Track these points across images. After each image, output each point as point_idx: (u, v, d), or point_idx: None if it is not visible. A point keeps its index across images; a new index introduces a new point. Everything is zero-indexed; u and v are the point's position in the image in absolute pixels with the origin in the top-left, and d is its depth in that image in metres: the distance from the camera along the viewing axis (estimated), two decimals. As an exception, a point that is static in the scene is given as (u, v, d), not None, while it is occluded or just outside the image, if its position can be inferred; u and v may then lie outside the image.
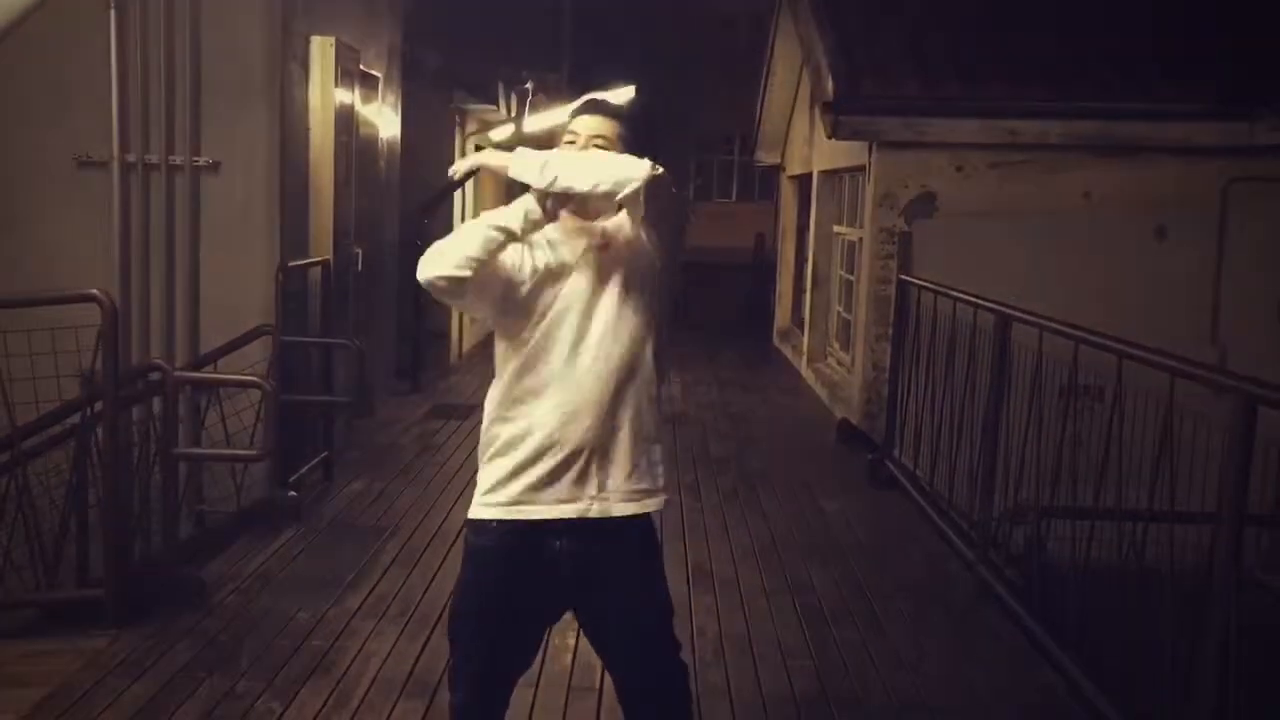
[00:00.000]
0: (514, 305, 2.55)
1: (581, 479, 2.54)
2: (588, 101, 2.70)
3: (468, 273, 2.39)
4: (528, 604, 2.64)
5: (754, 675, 4.26)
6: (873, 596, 5.13)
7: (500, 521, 2.58)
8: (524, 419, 2.56)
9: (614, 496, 2.56)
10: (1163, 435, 3.35)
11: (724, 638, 4.59)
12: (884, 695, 4.13)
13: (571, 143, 2.61)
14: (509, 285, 2.53)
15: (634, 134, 2.63)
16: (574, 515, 2.55)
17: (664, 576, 2.79)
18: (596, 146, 2.57)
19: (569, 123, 2.66)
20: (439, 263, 2.40)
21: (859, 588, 5.24)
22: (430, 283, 2.42)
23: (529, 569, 2.59)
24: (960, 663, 4.44)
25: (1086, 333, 4.09)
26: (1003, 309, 5.03)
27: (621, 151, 2.56)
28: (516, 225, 2.44)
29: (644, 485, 2.59)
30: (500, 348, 2.62)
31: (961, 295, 5.75)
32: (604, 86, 14.17)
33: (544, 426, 2.53)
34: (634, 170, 2.40)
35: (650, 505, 2.62)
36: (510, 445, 2.57)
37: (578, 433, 2.52)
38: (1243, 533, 2.92)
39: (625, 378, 2.55)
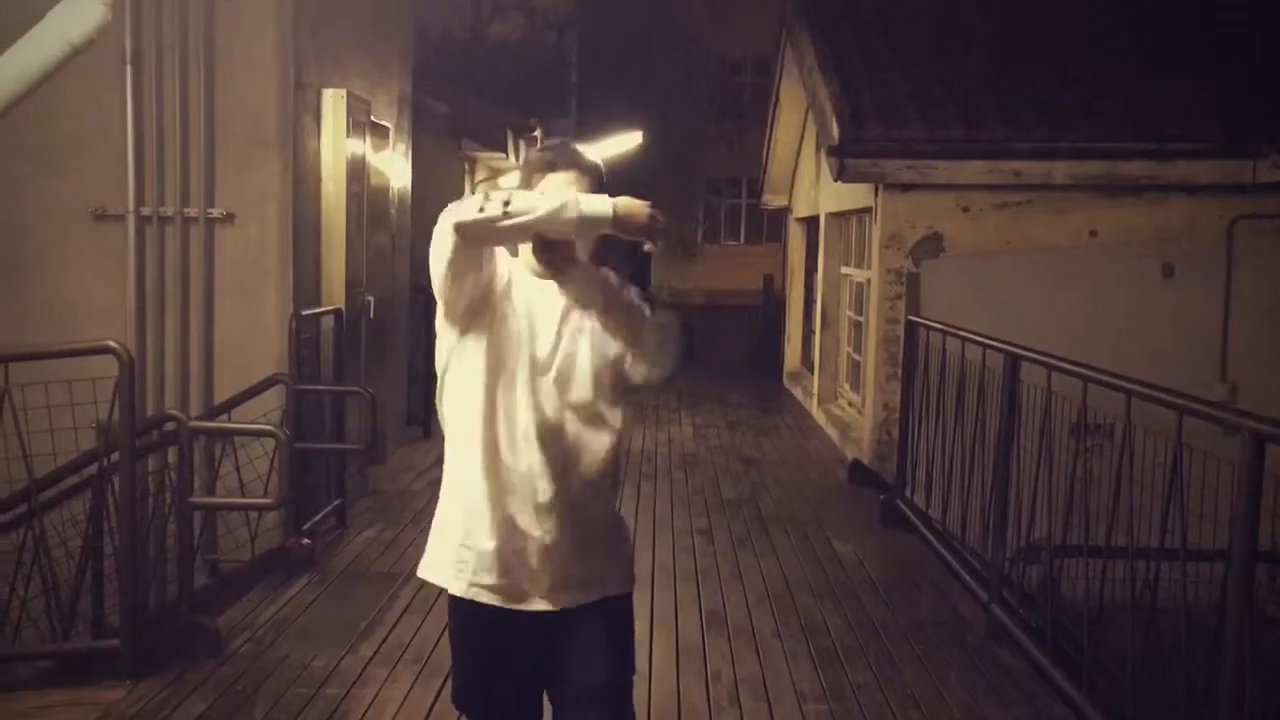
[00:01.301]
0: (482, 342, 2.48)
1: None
2: (558, 157, 2.52)
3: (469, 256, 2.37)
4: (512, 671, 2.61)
5: (769, 718, 4.25)
6: (887, 638, 5.12)
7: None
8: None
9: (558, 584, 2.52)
10: (1172, 473, 3.35)
11: (739, 682, 4.58)
12: (900, 738, 4.13)
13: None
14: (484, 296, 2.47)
15: (599, 178, 2.52)
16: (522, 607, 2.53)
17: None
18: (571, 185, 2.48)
19: (537, 179, 2.51)
20: (475, 218, 2.31)
21: (873, 629, 5.23)
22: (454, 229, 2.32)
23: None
24: (976, 703, 4.42)
25: (1095, 371, 4.11)
26: (1011, 348, 5.06)
27: (587, 187, 2.48)
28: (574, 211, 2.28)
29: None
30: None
31: (969, 335, 5.78)
32: (610, 132, 14.34)
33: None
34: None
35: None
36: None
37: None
38: (1254, 569, 2.92)
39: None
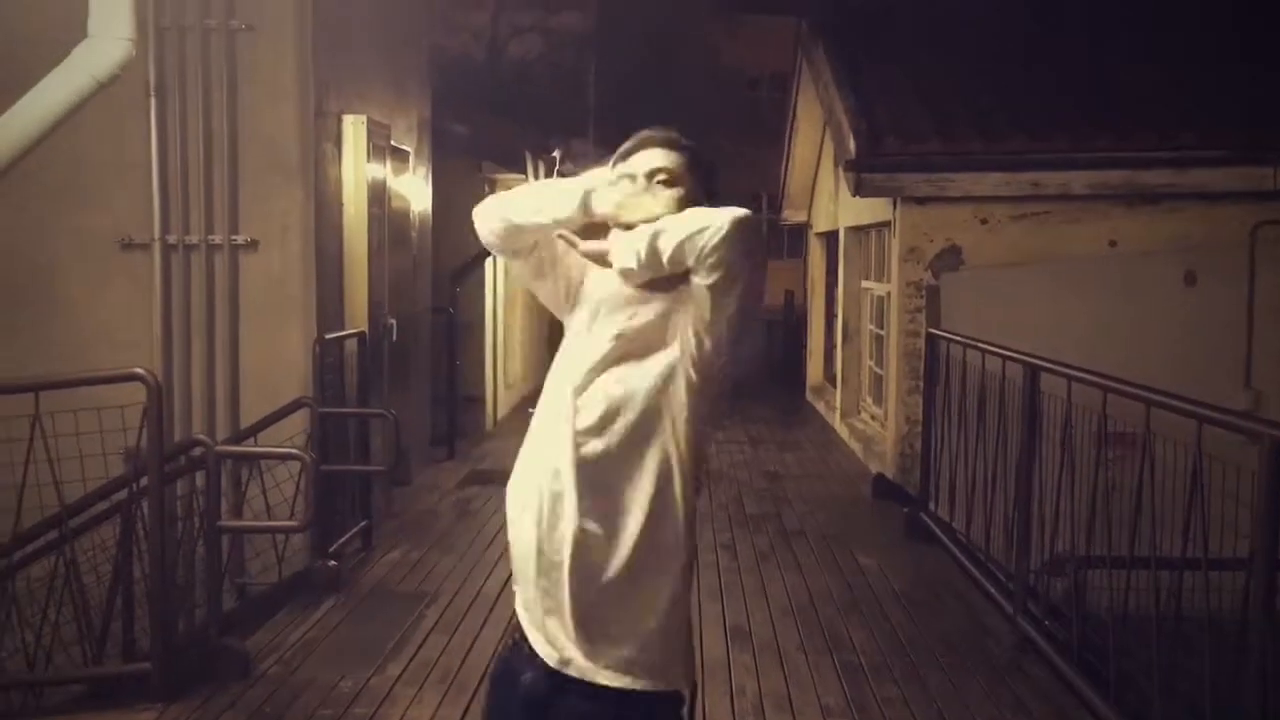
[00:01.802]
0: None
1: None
2: (641, 136, 2.25)
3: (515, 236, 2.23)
4: None
5: (795, 734, 4.26)
6: (912, 652, 5.12)
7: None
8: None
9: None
10: (1192, 482, 3.36)
11: (763, 696, 4.60)
12: (926, 751, 4.13)
13: (631, 179, 2.19)
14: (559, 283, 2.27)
15: (701, 166, 2.24)
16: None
17: None
18: (660, 183, 2.17)
19: (631, 155, 2.23)
20: (508, 208, 2.22)
21: (898, 643, 5.23)
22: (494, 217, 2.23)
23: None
24: (1003, 717, 4.42)
25: (1115, 381, 4.12)
26: (1030, 360, 5.06)
27: (690, 186, 2.20)
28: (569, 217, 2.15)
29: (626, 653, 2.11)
30: None
31: (989, 347, 5.78)
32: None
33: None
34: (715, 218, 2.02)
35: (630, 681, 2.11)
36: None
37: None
38: (1274, 577, 2.92)
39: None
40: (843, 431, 11.07)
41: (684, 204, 2.15)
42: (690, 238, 2.00)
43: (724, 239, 1.98)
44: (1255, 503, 2.99)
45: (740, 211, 2.02)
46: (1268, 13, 9.06)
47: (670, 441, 2.11)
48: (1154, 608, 3.74)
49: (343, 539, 6.37)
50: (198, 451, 5.11)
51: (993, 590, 5.60)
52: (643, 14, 22.13)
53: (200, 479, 5.30)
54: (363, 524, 6.71)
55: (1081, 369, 4.51)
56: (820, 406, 12.96)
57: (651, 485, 2.09)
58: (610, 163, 2.25)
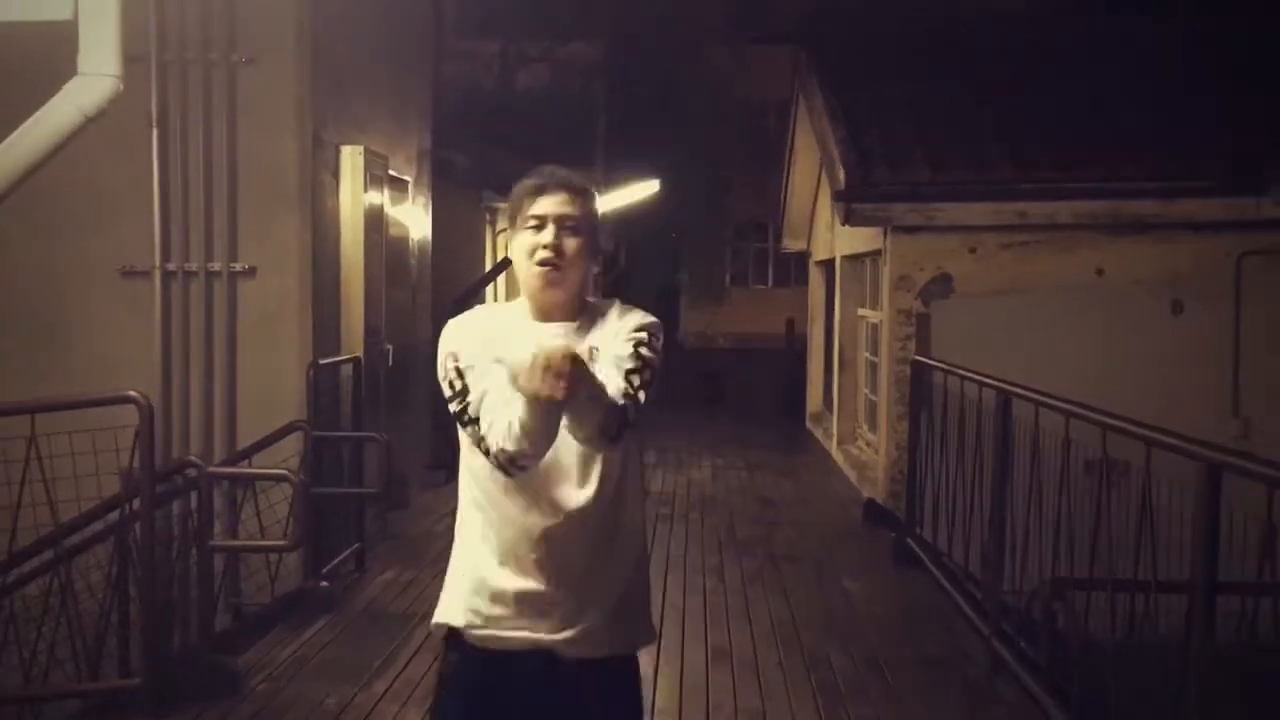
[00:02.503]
0: None
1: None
2: (548, 180, 2.35)
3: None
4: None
5: (767, 751, 4.36)
6: (889, 672, 5.20)
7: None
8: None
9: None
10: (1142, 504, 3.46)
11: (739, 713, 4.69)
12: (893, 768, 4.22)
13: (536, 227, 2.33)
14: None
15: (595, 213, 2.39)
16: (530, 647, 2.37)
17: None
18: (565, 229, 2.32)
19: (527, 204, 2.34)
20: (509, 461, 2.24)
21: (876, 664, 5.32)
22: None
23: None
24: (972, 736, 4.51)
25: (1078, 406, 4.23)
26: (1003, 386, 5.17)
27: (590, 235, 2.35)
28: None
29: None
30: None
31: (966, 373, 5.90)
32: (636, 179, 14.60)
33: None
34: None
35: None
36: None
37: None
38: (1214, 598, 3.01)
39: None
40: (839, 458, 11.17)
41: (583, 246, 2.34)
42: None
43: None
44: (1193, 525, 3.09)
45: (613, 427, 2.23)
46: (1253, 44, 9.21)
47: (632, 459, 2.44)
48: (1110, 630, 3.83)
49: (335, 561, 6.49)
50: (191, 473, 5.24)
51: (971, 613, 5.69)
52: (650, 44, 22.38)
53: (195, 500, 5.44)
54: (355, 546, 6.83)
55: (1049, 395, 4.62)
56: (819, 434, 13.06)
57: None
58: (515, 198, 2.37)
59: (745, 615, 6.11)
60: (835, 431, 11.59)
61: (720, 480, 10.32)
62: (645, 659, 5.10)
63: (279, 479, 5.43)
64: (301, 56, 6.55)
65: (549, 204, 2.32)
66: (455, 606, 2.42)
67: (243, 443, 6.40)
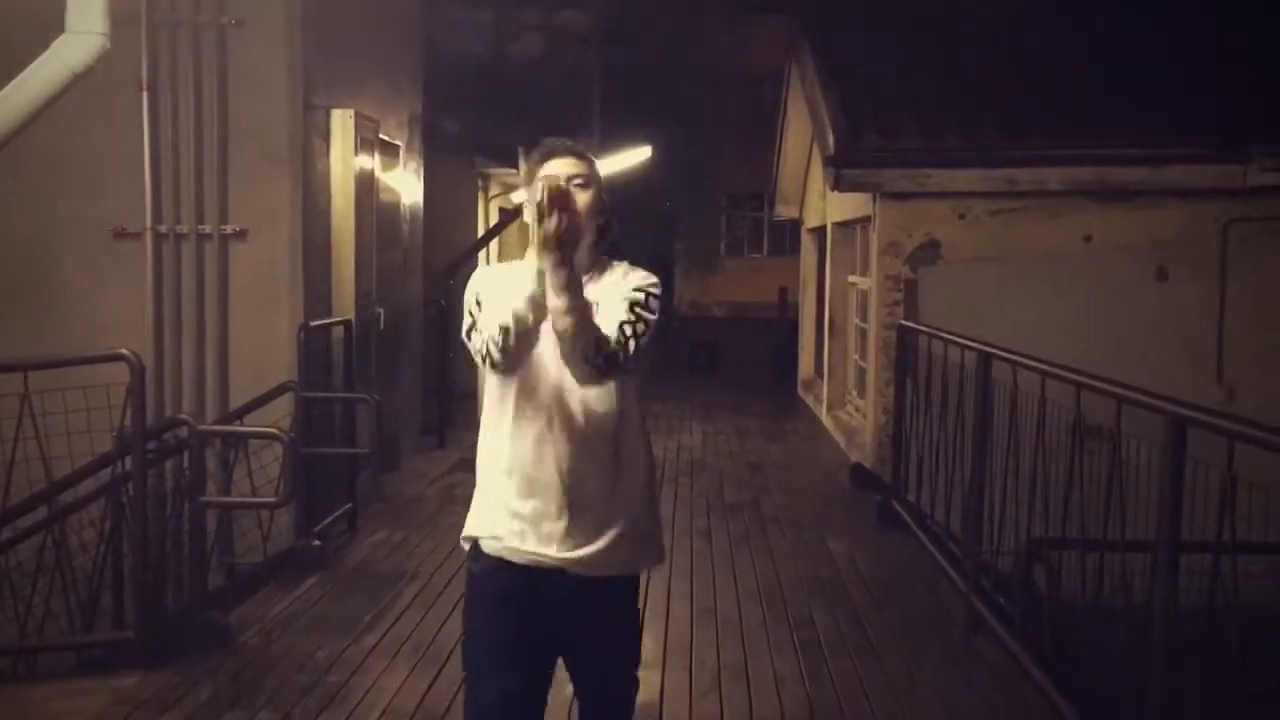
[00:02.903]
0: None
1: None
2: (555, 146, 2.63)
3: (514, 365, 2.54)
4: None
5: (748, 702, 4.45)
6: (870, 629, 5.30)
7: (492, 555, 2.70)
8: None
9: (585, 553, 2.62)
10: (1112, 460, 3.53)
11: (722, 668, 4.79)
12: (871, 716, 4.31)
13: (579, 188, 2.56)
14: None
15: (599, 176, 2.64)
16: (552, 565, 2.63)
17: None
18: (578, 187, 2.55)
19: (537, 171, 2.60)
20: (493, 354, 2.49)
21: (858, 622, 5.41)
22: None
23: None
24: (950, 687, 4.61)
25: (1052, 366, 4.29)
26: (982, 347, 5.24)
27: (597, 192, 2.59)
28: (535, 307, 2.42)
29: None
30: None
31: (949, 336, 5.96)
32: (631, 148, 14.58)
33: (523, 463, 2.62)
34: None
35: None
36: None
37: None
38: (1178, 556, 3.08)
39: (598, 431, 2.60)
40: (829, 424, 11.26)
41: (596, 200, 2.60)
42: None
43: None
44: (1160, 480, 3.16)
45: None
46: (1240, 11, 9.22)
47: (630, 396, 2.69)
48: (1082, 590, 3.92)
49: (327, 520, 6.57)
50: (182, 431, 5.31)
51: (952, 573, 5.78)
52: (645, 13, 22.30)
53: (187, 458, 5.51)
54: (348, 507, 6.91)
55: (1028, 356, 4.68)
56: (810, 400, 13.15)
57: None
58: (525, 164, 2.67)
59: (731, 575, 6.20)
60: (825, 398, 11.67)
61: (710, 446, 10.41)
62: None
63: (269, 437, 5.50)
64: (291, 19, 6.57)
65: (557, 165, 2.59)
66: (476, 522, 2.72)
67: (234, 404, 6.46)
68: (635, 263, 2.72)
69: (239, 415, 6.23)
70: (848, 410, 11.00)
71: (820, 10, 10.48)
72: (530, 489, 2.62)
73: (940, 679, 4.69)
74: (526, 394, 2.60)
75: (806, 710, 4.36)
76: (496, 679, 2.67)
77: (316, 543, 6.25)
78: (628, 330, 2.53)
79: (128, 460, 4.83)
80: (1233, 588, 3.07)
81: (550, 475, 2.60)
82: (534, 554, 2.63)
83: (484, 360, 2.53)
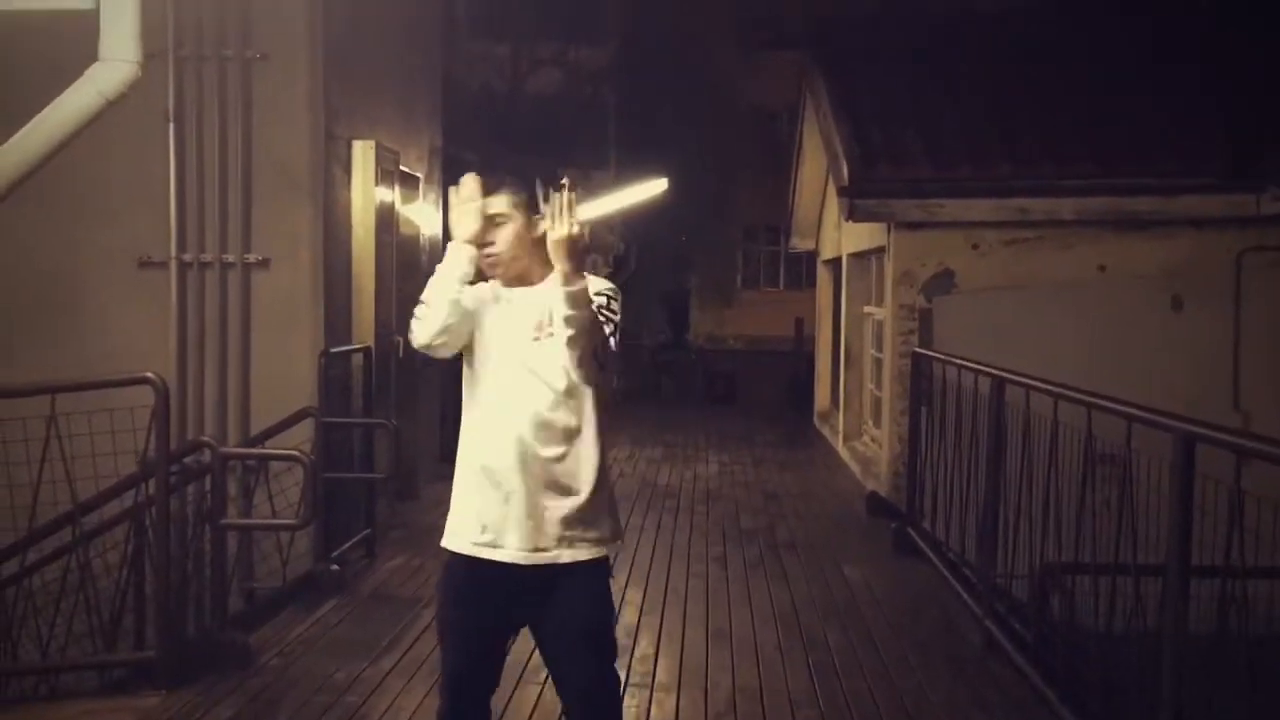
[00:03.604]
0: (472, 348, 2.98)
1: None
2: (491, 184, 2.98)
3: (444, 338, 2.90)
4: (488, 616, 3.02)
5: (762, 724, 4.48)
6: (884, 652, 5.32)
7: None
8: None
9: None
10: (1124, 479, 3.57)
11: (736, 690, 4.81)
12: (884, 739, 4.34)
13: (501, 224, 2.93)
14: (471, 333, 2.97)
15: (530, 195, 2.96)
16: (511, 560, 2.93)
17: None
18: (494, 223, 2.92)
19: (489, 200, 2.95)
20: (422, 331, 2.89)
21: (872, 645, 5.43)
22: (423, 348, 2.92)
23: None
24: (964, 710, 4.62)
25: (1064, 389, 4.34)
26: (994, 372, 5.28)
27: (521, 220, 2.92)
28: (465, 271, 2.88)
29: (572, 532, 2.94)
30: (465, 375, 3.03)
31: (962, 362, 6.00)
32: (642, 179, 14.72)
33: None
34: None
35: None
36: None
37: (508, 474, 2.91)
38: (1188, 577, 3.10)
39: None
40: (845, 454, 11.28)
41: (518, 233, 2.94)
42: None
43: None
44: (1170, 502, 3.18)
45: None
46: (1249, 40, 9.28)
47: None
48: (1094, 614, 3.94)
49: (345, 546, 6.63)
50: (205, 454, 5.39)
51: (967, 597, 5.80)
52: (662, 48, 22.53)
53: (209, 482, 5.58)
54: (366, 532, 6.97)
55: (1039, 379, 4.72)
56: (826, 431, 13.17)
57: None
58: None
59: (746, 600, 6.22)
60: (841, 428, 11.69)
61: (726, 475, 10.44)
62: (645, 639, 5.26)
63: (290, 459, 5.58)
64: (314, 52, 6.70)
65: (495, 204, 2.94)
66: (447, 528, 3.02)
67: (255, 428, 6.55)
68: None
69: (260, 440, 6.31)
70: (864, 440, 11.02)
71: (833, 44, 10.61)
72: (488, 492, 2.91)
73: (954, 701, 4.71)
74: (489, 402, 2.92)
75: (821, 731, 4.39)
76: (454, 654, 3.01)
77: (335, 567, 6.31)
78: (605, 329, 2.84)
79: (151, 483, 4.92)
80: (1243, 610, 3.09)
81: (506, 477, 2.89)
82: (490, 554, 2.92)
83: (416, 317, 2.87)
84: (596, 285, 2.87)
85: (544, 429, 2.88)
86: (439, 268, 2.91)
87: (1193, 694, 3.33)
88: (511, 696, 4.54)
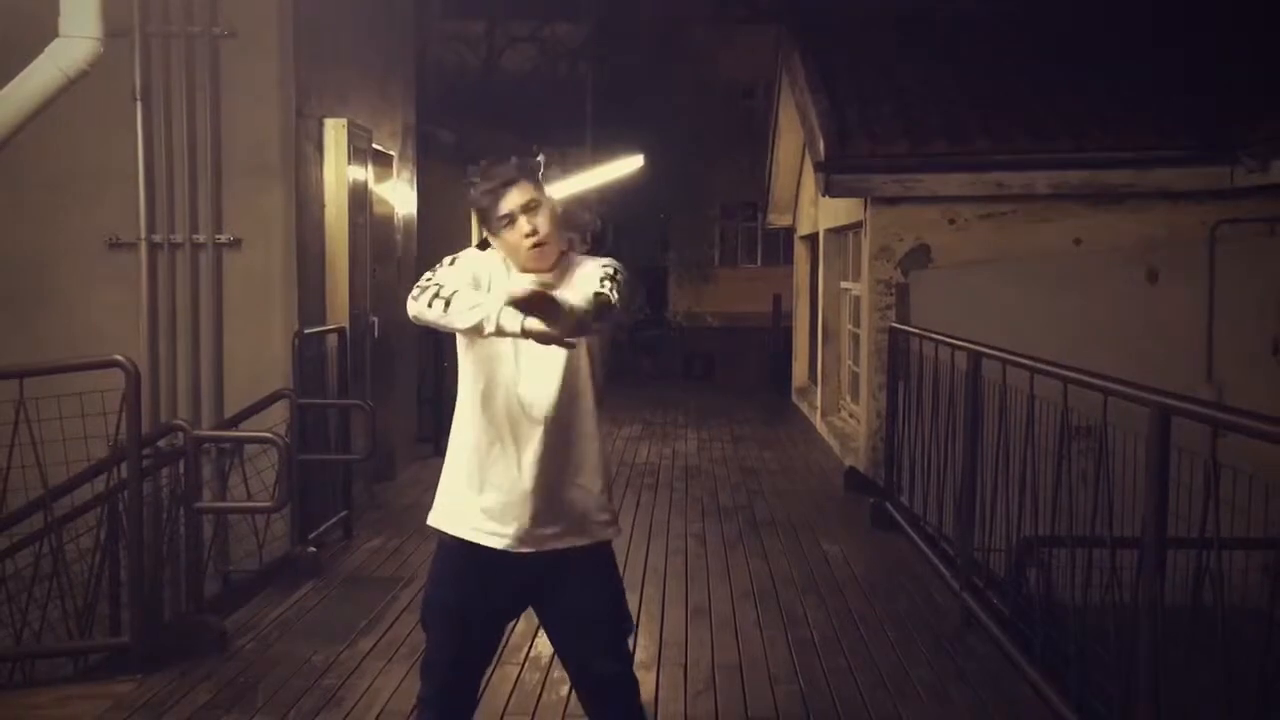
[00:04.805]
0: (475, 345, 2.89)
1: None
2: (505, 173, 2.82)
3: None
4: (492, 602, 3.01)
5: (742, 699, 4.48)
6: (863, 628, 5.33)
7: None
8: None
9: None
10: (1099, 457, 3.57)
11: (716, 667, 4.81)
12: (865, 712, 4.34)
13: (511, 222, 2.79)
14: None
15: (542, 185, 2.89)
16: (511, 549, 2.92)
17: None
18: (531, 210, 2.78)
19: (493, 207, 2.79)
20: (425, 317, 2.72)
21: (851, 621, 5.45)
22: (415, 318, 2.77)
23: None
24: (943, 683, 4.63)
25: (1040, 363, 4.33)
26: (972, 346, 5.28)
27: (548, 200, 2.83)
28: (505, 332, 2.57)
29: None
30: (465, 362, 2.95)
31: (939, 337, 6.00)
32: (619, 156, 14.67)
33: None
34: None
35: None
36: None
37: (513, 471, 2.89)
38: (1164, 549, 3.10)
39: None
40: (823, 430, 11.29)
41: (552, 214, 2.84)
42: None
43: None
44: (1146, 474, 3.19)
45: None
46: (1227, 11, 9.30)
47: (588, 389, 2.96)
48: (1071, 586, 3.95)
49: (323, 528, 6.59)
50: (178, 437, 5.34)
51: (945, 572, 5.81)
52: (637, 24, 22.40)
53: (183, 465, 5.53)
54: (343, 514, 6.93)
55: (1015, 354, 4.72)
56: (804, 407, 13.18)
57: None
58: (475, 199, 2.86)
59: (725, 577, 6.23)
60: (819, 404, 11.71)
61: (705, 452, 10.44)
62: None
63: (263, 441, 5.53)
64: (283, 30, 6.61)
65: (514, 199, 2.80)
66: (437, 509, 3.02)
67: (229, 411, 6.49)
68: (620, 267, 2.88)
69: (234, 422, 6.25)
70: (841, 416, 11.04)
71: (809, 19, 10.56)
72: (486, 480, 2.89)
73: (933, 675, 4.72)
74: (489, 393, 2.88)
75: (800, 708, 4.39)
76: (450, 639, 3.01)
77: (312, 549, 6.27)
78: (606, 285, 2.72)
79: (124, 467, 4.86)
80: (1218, 581, 3.10)
81: (504, 465, 2.87)
82: (487, 541, 2.90)
83: (428, 305, 2.68)
84: (599, 264, 2.86)
85: (547, 418, 2.86)
86: (483, 302, 2.60)
87: (1169, 665, 3.35)
88: (491, 676, 4.52)
